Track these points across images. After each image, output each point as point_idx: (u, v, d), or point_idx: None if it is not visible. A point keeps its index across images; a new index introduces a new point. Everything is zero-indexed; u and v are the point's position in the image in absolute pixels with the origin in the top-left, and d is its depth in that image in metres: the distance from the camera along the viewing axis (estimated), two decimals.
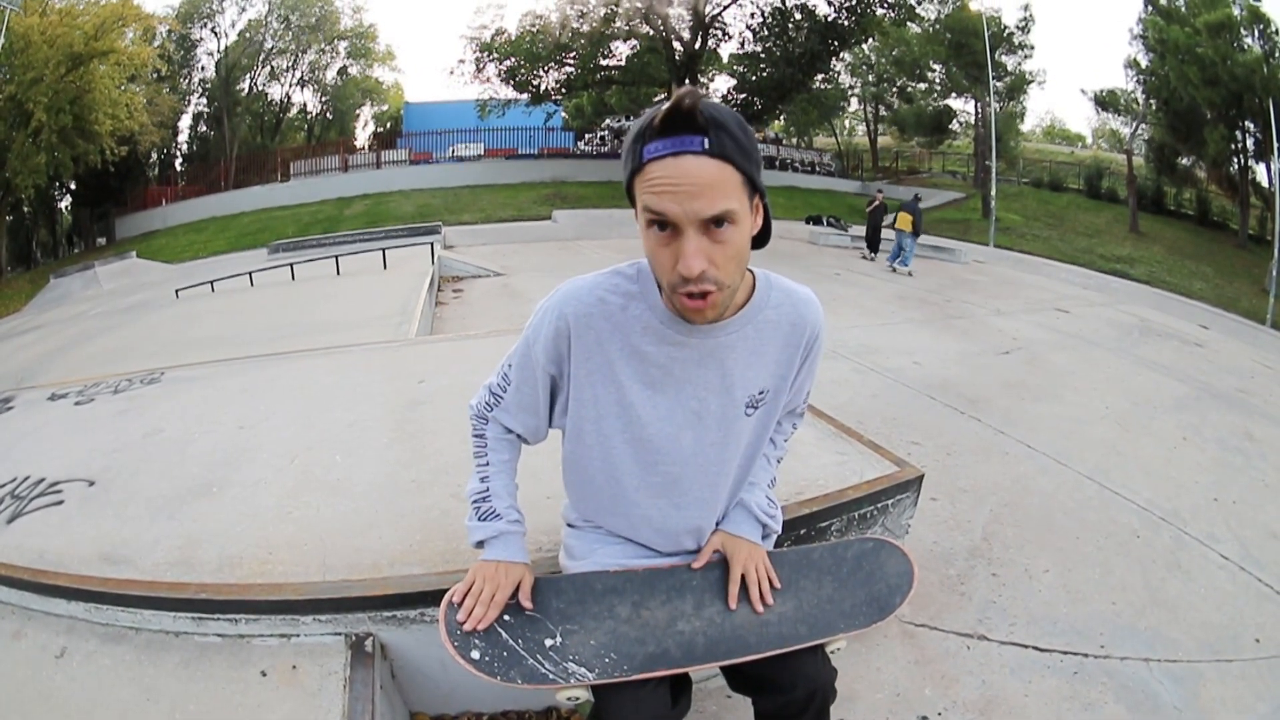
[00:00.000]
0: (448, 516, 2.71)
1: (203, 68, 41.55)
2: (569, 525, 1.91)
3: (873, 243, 18.78)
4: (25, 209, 33.47)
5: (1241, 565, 4.14)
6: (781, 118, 42.24)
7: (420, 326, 7.67)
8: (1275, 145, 26.02)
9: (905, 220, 17.43)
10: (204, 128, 43.59)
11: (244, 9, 41.60)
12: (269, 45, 43.00)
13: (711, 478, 1.66)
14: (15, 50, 25.46)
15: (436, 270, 12.51)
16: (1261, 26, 29.67)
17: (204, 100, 42.57)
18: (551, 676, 1.55)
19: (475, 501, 1.71)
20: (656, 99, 36.70)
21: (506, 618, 1.61)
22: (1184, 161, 34.41)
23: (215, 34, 41.18)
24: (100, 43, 27.76)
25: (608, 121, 45.34)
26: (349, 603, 2.24)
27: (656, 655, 1.60)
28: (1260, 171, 31.52)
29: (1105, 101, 36.50)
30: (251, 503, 2.90)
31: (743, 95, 34.80)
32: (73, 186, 35.32)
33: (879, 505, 2.97)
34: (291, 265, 13.37)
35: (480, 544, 1.70)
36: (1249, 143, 31.19)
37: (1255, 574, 4.07)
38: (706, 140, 1.19)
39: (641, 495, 1.66)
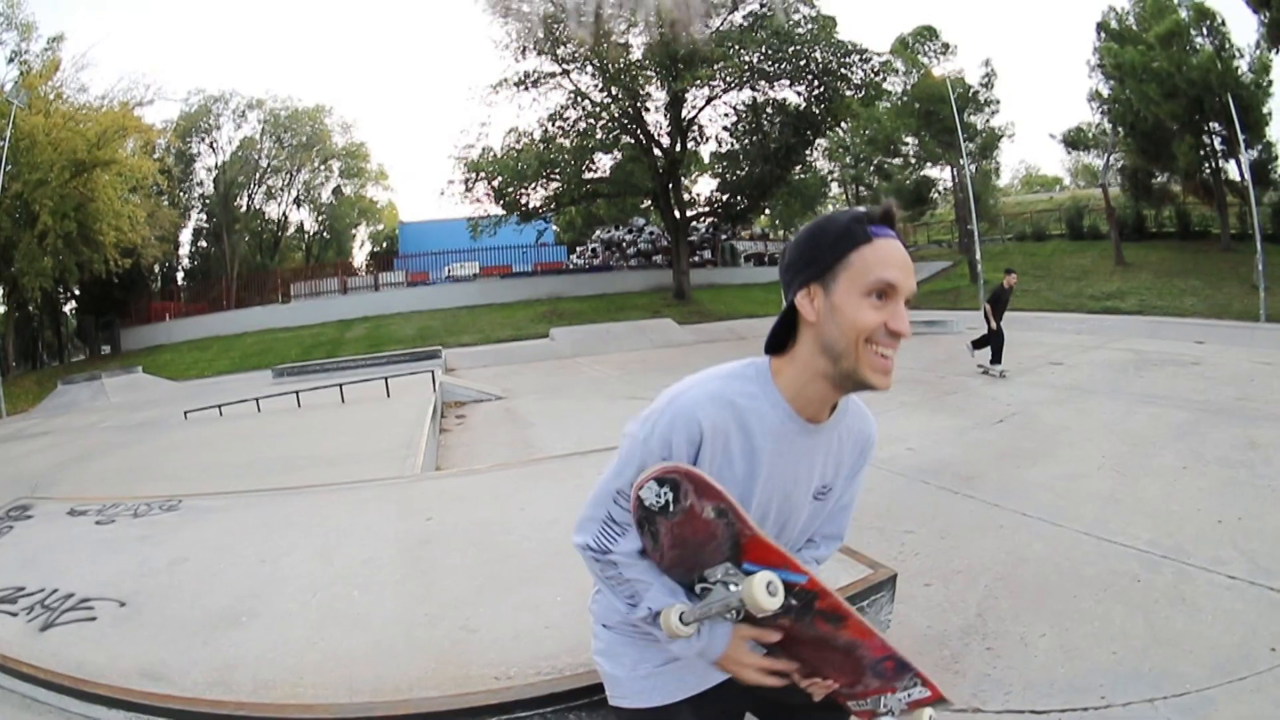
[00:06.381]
0: (459, 646, 2.90)
1: (201, 183, 42.93)
2: (604, 626, 1.81)
3: None
4: (31, 308, 33.68)
5: (1251, 580, 4.18)
6: (766, 212, 42.77)
7: (425, 459, 7.80)
8: (1240, 136, 26.13)
9: None
10: (204, 243, 44.90)
11: (239, 125, 43.18)
12: (264, 164, 44.40)
13: None
14: (21, 149, 25.95)
15: (439, 398, 12.60)
16: (1209, 22, 30.09)
17: (203, 216, 43.87)
18: None
19: (647, 610, 1.54)
20: (644, 205, 36.97)
21: None
22: (1159, 180, 34.61)
23: (213, 149, 42.67)
24: (103, 151, 28.37)
25: (598, 233, 46.22)
26: None
27: None
28: (1232, 169, 31.59)
29: (1074, 141, 36.85)
30: (281, 633, 3.11)
31: (725, 195, 35.65)
32: (77, 292, 35.91)
33: (855, 606, 3.09)
34: (297, 393, 13.60)
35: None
36: (1216, 143, 31.43)
37: (1266, 585, 4.10)
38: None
39: None
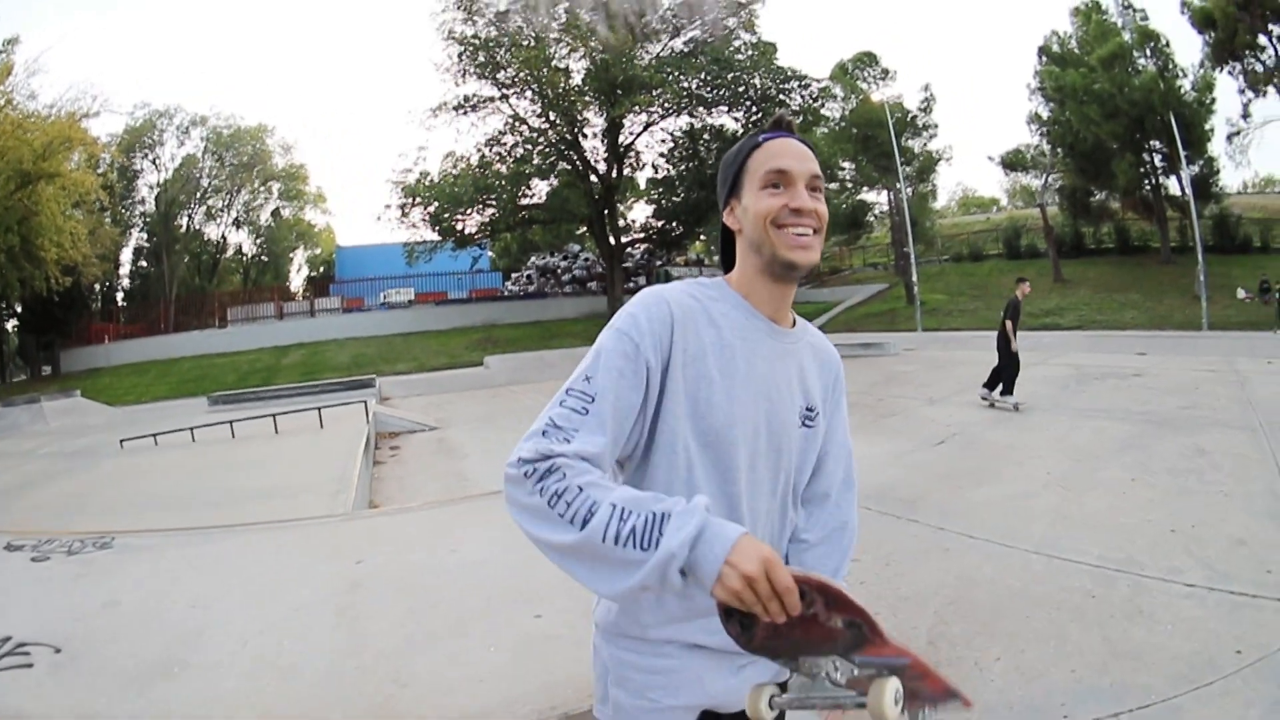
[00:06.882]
0: (391, 701, 2.81)
1: (143, 201, 42.17)
2: (608, 640, 1.58)
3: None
4: None
5: (1210, 586, 4.17)
6: (701, 238, 43.02)
7: (358, 495, 7.69)
8: (1182, 154, 26.94)
9: None
10: (144, 263, 44.04)
11: (182, 142, 42.60)
12: (205, 183, 43.77)
13: (765, 494, 1.56)
14: None
15: (372, 429, 12.57)
16: (1153, 44, 31.24)
17: (144, 234, 43.09)
18: None
19: (620, 525, 1.19)
20: (579, 231, 36.84)
21: None
22: (1097, 198, 35.41)
23: (155, 166, 41.94)
24: (48, 163, 27.62)
25: (533, 259, 46.32)
26: None
27: None
28: (1172, 185, 32.72)
29: (1012, 163, 37.76)
30: (213, 686, 3.03)
31: (661, 221, 35.99)
32: (19, 309, 35.08)
33: None
34: (231, 424, 13.50)
35: (682, 570, 1.18)
36: (1157, 160, 32.51)
37: (1225, 589, 4.11)
38: (801, 139, 1.54)
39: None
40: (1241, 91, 31.39)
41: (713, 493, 1.46)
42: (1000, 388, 11.38)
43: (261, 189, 47.17)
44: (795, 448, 1.60)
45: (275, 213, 49.53)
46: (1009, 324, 11.54)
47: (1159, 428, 8.79)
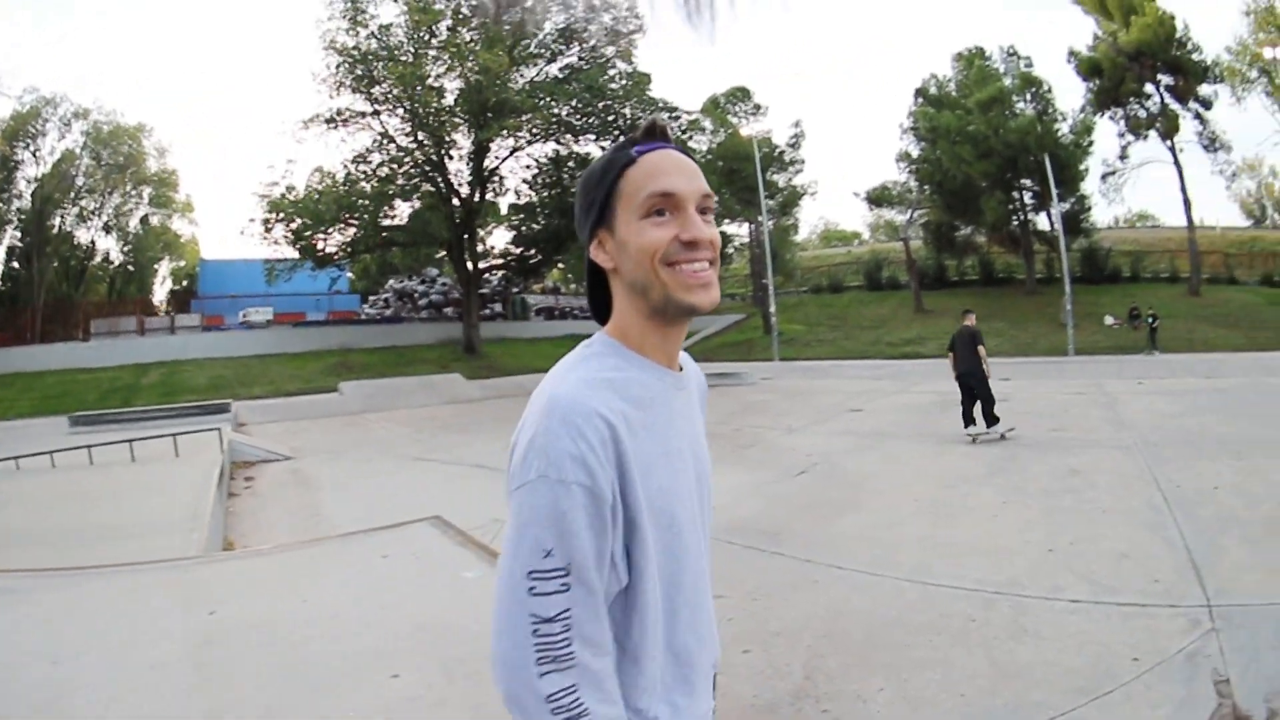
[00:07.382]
0: None
1: (20, 195, 39.35)
2: None
3: None
4: None
5: (1095, 600, 4.27)
6: (559, 266, 42.98)
7: (210, 533, 7.35)
8: (1054, 191, 28.29)
9: None
10: (15, 264, 41.25)
11: (63, 135, 40.01)
12: (81, 182, 41.29)
13: (707, 545, 1.42)
14: None
15: (226, 460, 12.25)
16: (1034, 89, 33.03)
17: (18, 233, 40.37)
18: None
19: None
20: (439, 255, 36.87)
21: None
22: (963, 232, 37.05)
23: (35, 158, 39.21)
24: None
25: (391, 282, 45.66)
26: None
27: None
28: (1041, 220, 34.63)
29: (878, 198, 39.08)
30: None
31: (520, 248, 35.83)
32: None
33: None
34: (90, 449, 13.02)
35: None
36: (1026, 197, 34.34)
37: (1113, 601, 4.22)
38: (681, 149, 1.31)
39: (692, 595, 1.35)
40: (1121, 135, 33.88)
41: (688, 577, 1.32)
42: (984, 421, 10.58)
43: (133, 193, 44.83)
44: (710, 497, 1.47)
45: (144, 220, 47.18)
46: (982, 349, 10.95)
47: (1029, 450, 9.10)
